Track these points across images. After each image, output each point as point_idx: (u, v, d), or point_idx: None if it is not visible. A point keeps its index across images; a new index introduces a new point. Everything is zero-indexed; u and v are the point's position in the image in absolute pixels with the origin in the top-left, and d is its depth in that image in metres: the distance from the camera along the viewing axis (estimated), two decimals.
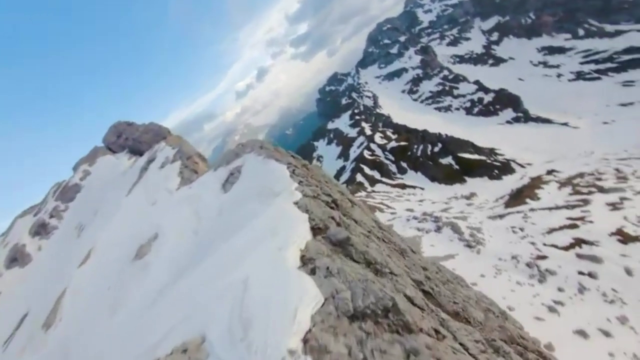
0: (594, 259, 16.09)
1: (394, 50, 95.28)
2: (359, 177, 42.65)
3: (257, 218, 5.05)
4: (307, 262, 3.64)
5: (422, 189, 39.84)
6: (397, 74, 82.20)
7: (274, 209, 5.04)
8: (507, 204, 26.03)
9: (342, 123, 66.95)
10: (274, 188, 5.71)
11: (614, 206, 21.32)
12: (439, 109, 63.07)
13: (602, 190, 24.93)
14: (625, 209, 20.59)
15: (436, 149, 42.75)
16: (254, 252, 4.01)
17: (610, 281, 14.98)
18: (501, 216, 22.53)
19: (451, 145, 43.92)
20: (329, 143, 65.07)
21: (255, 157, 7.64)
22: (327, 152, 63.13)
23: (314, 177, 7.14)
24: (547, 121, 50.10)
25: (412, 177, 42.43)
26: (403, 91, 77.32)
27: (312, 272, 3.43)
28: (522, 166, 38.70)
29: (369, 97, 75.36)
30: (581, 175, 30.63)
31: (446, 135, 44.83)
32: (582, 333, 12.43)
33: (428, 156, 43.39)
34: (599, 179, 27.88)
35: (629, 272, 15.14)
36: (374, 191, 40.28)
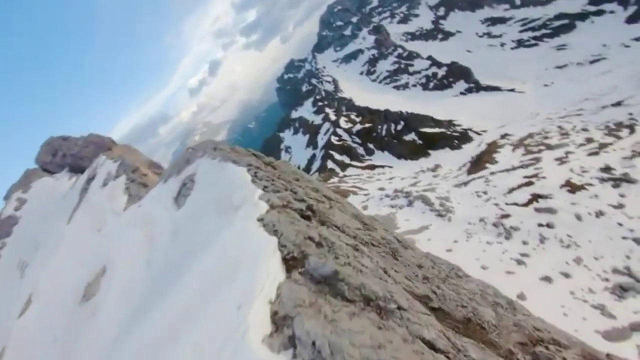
0: (550, 210, 17.65)
1: (348, 32, 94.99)
2: (330, 164, 42.79)
3: (212, 247, 4.01)
4: (280, 326, 2.56)
5: (391, 167, 40.98)
6: (354, 55, 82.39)
7: (233, 233, 4.00)
8: (470, 171, 27.63)
9: (305, 111, 66.09)
10: (234, 199, 4.76)
11: (561, 160, 23.50)
12: (397, 87, 64.61)
13: (549, 147, 27.35)
14: (570, 162, 22.79)
15: (399, 127, 44.05)
16: (207, 307, 3.07)
17: (564, 228, 16.56)
18: (465, 183, 23.85)
19: (412, 121, 45.41)
20: (295, 133, 64.13)
21: (209, 162, 6.71)
22: (295, 142, 62.33)
23: (282, 177, 6.29)
24: (496, 89, 53.47)
25: (380, 157, 43.45)
26: (361, 73, 77.88)
27: (291, 343, 2.38)
28: (478, 134, 41.23)
29: (329, 82, 74.95)
30: (530, 135, 33.30)
31: (407, 112, 46.22)
32: (547, 279, 13.65)
33: (392, 135, 44.58)
34: (546, 137, 30.52)
35: (579, 217, 16.85)
36: (345, 176, 40.66)
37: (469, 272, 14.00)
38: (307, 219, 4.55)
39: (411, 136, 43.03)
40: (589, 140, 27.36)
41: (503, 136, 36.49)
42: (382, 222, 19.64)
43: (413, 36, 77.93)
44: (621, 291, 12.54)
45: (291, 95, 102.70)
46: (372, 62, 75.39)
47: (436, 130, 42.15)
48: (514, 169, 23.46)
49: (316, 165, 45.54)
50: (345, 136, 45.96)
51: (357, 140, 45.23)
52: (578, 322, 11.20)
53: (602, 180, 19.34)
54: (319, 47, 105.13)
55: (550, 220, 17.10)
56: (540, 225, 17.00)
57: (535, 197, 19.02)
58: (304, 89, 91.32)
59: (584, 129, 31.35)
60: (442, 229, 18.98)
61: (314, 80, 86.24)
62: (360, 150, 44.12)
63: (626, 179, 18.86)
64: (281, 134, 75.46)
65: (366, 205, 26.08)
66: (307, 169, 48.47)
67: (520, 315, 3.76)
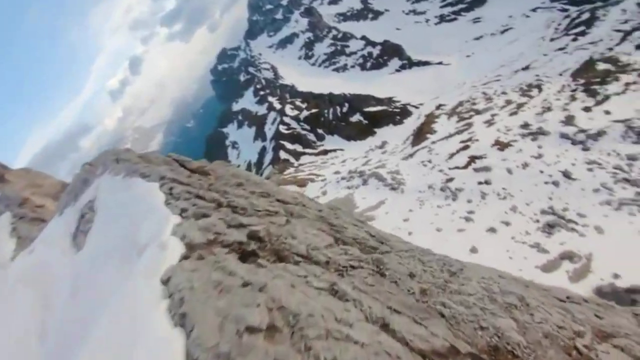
0: (486, 169, 19.66)
1: (279, 16, 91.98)
2: (283, 154, 41.93)
3: (105, 317, 2.34)
4: None
5: (342, 150, 41.76)
6: (289, 40, 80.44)
7: (124, 306, 2.36)
8: (413, 143, 29.43)
9: (247, 102, 63.00)
10: (138, 236, 3.25)
11: (489, 123, 26.27)
12: (336, 69, 65.22)
13: (478, 112, 30.33)
14: (496, 123, 25.60)
15: (344, 109, 44.81)
16: None
17: (499, 183, 18.63)
18: (411, 155, 25.33)
19: (356, 102, 46.52)
20: (240, 126, 60.98)
21: (111, 180, 5.06)
22: (242, 137, 59.39)
23: (216, 187, 4.63)
24: (426, 63, 57.24)
25: (331, 141, 43.92)
26: (299, 57, 76.66)
27: None
28: (416, 107, 44.03)
29: (267, 69, 72.29)
30: (461, 104, 36.53)
31: (349, 94, 47.10)
32: (492, 229, 15.24)
33: (339, 118, 45.20)
34: (474, 104, 33.76)
35: (509, 171, 19.08)
36: (301, 164, 40.30)
37: (427, 236, 14.90)
38: (252, 256, 3.04)
39: (357, 117, 44.13)
40: (509, 102, 31.04)
41: (438, 107, 39.45)
42: (343, 205, 19.59)
43: (345, 17, 78.67)
44: (549, 228, 14.64)
45: (229, 87, 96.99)
46: (309, 45, 74.56)
47: (378, 108, 43.85)
48: (451, 135, 25.55)
49: (268, 157, 44.25)
50: (293, 124, 45.25)
51: (306, 126, 44.92)
52: (521, 261, 12.78)
53: (523, 135, 22.13)
54: (251, 33, 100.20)
55: (487, 177, 19.08)
56: (479, 183, 18.87)
57: (472, 159, 20.99)
58: (241, 78, 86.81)
59: (503, 92, 35.47)
60: (397, 201, 19.92)
61: (251, 69, 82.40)
62: (311, 137, 43.99)
63: (541, 132, 21.86)
64: (224, 130, 71.21)
65: (325, 191, 26.19)
66: (259, 163, 46.87)
67: (537, 311, 2.97)
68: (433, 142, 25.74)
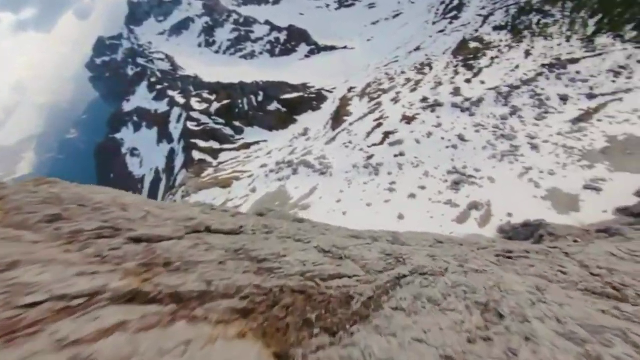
0: (399, 142, 21.63)
1: None
2: (197, 155, 37.91)
3: None
4: None
5: (266, 141, 40.38)
6: (184, 25, 72.09)
7: None
8: (333, 127, 30.42)
9: (141, 99, 54.25)
10: None
11: (395, 100, 28.92)
12: (244, 57, 61.98)
13: (384, 91, 33.05)
14: (401, 100, 28.35)
15: (260, 98, 43.11)
16: None
17: (411, 153, 20.76)
18: (333, 138, 26.11)
19: (271, 90, 45.29)
20: (137, 129, 52.33)
21: None
22: (142, 141, 51.21)
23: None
24: (333, 48, 59.39)
25: (251, 134, 41.89)
26: (200, 45, 69.79)
27: None
28: (330, 92, 45.56)
29: (161, 59, 63.48)
30: (369, 85, 39.24)
31: (262, 81, 45.47)
32: (412, 195, 16.87)
33: (255, 108, 43.31)
34: (380, 84, 36.67)
35: (418, 141, 21.43)
36: (221, 163, 37.27)
37: (360, 212, 15.51)
38: None
39: (274, 105, 43.06)
40: (408, 80, 34.77)
41: (349, 90, 41.57)
42: (276, 199, 18.78)
43: (245, 0, 74.65)
44: (456, 185, 17.07)
45: (115, 84, 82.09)
46: (208, 31, 68.39)
47: (295, 95, 43.71)
48: (365, 116, 27.25)
49: (180, 161, 39.49)
50: (204, 119, 41.23)
51: (220, 120, 41.55)
52: (440, 219, 14.56)
53: (424, 108, 25.09)
54: (134, 18, 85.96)
55: (400, 150, 21.04)
56: (395, 155, 20.69)
57: (386, 135, 22.83)
58: (129, 72, 74.37)
59: (402, 72, 39.59)
60: (327, 184, 20.29)
61: (141, 60, 71.15)
62: (228, 131, 41.00)
63: (437, 104, 25.14)
64: (117, 136, 60.37)
65: (254, 188, 24.89)
66: (169, 169, 41.48)
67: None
68: (350, 124, 27.02)
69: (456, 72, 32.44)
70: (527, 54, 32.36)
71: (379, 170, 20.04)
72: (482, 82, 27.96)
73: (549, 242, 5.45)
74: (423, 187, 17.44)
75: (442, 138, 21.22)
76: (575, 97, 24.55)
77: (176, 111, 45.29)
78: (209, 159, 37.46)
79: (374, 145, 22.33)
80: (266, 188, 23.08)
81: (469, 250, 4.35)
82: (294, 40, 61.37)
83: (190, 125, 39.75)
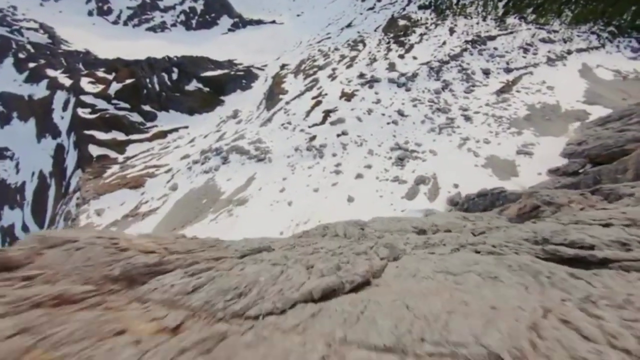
0: (340, 120, 20.82)
1: None
2: (95, 150, 31.17)
3: None
4: None
5: (186, 127, 35.62)
6: None
7: None
8: (268, 107, 28.20)
9: (6, 82, 42.09)
10: None
11: (332, 77, 28.02)
12: (152, 29, 53.53)
13: (320, 68, 31.91)
14: (338, 76, 27.57)
15: (174, 76, 37.53)
16: None
17: (354, 131, 20.19)
18: (269, 119, 24.04)
19: (189, 67, 40.01)
20: (6, 122, 40.73)
21: None
22: (13, 138, 40.14)
23: None
24: (260, 22, 55.61)
25: (167, 119, 36.40)
26: (90, 13, 57.80)
27: None
28: (261, 69, 42.55)
29: (35, 29, 50.41)
30: (303, 62, 37.61)
31: (176, 57, 39.75)
32: (359, 176, 16.24)
33: (170, 87, 37.67)
34: (314, 60, 35.37)
35: (359, 119, 20.94)
36: (128, 158, 31.49)
37: (307, 200, 14.20)
38: None
39: (194, 85, 38.12)
40: (343, 57, 34.24)
41: (282, 67, 39.32)
42: (204, 196, 16.22)
43: None
44: (400, 161, 17.03)
45: None
46: None
47: (219, 72, 39.46)
48: (302, 93, 25.76)
49: (72, 159, 32.05)
50: (101, 104, 34.00)
51: (124, 105, 34.84)
52: (390, 197, 14.19)
53: (362, 84, 24.75)
54: None
55: (343, 128, 20.29)
56: (338, 135, 19.86)
57: (327, 113, 21.81)
58: None
59: (336, 49, 38.98)
60: (267, 172, 18.43)
61: (3, 31, 55.51)
62: (136, 118, 34.72)
63: (374, 80, 25.04)
64: None
65: (175, 185, 21.38)
66: (59, 171, 33.55)
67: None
68: (287, 103, 25.25)
69: (389, 49, 33.09)
70: (452, 31, 34.81)
71: (323, 152, 18.98)
72: (415, 58, 28.98)
73: (549, 213, 4.97)
74: (369, 166, 16.99)
75: (383, 114, 21.15)
76: (495, 70, 27.18)
77: (61, 96, 36.37)
78: (112, 154, 31.24)
79: (315, 125, 21.10)
80: (190, 183, 20.00)
81: None
82: (213, 11, 55.36)
83: (82, 112, 32.30)
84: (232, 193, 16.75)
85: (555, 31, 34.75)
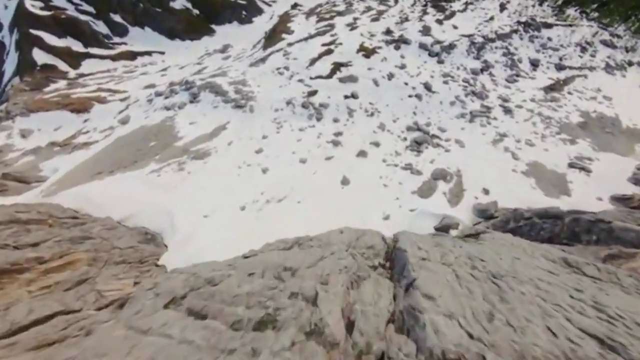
0: (352, 79, 17.49)
1: None
2: (41, 57, 26.38)
3: None
4: None
5: (162, 53, 30.98)
6: None
7: None
8: (265, 46, 24.24)
9: None
10: None
11: (352, 26, 24.13)
12: None
13: (339, 14, 27.77)
14: (359, 27, 23.73)
15: None
16: None
17: (366, 96, 17.01)
18: (263, 60, 20.31)
19: None
20: None
21: None
22: None
23: None
24: None
25: (141, 38, 31.48)
26: None
27: None
28: (268, 4, 37.57)
29: None
30: (320, 5, 33.11)
31: None
32: (362, 153, 13.34)
33: (152, 0, 32.43)
34: (335, 5, 31.01)
35: (376, 83, 17.69)
36: (82, 76, 27.04)
37: (288, 172, 11.27)
38: None
39: (181, 3, 32.96)
40: (369, 9, 30.04)
41: (294, 6, 34.68)
42: (154, 137, 13.05)
43: None
44: (417, 146, 14.18)
45: None
46: None
47: None
48: (311, 37, 21.95)
49: (11, 62, 27.22)
50: (59, 1, 28.57)
51: (87, 8, 29.50)
52: (396, 188, 11.44)
53: (387, 42, 21.17)
54: None
55: (353, 89, 17.03)
56: (346, 97, 16.64)
57: (337, 66, 18.38)
58: None
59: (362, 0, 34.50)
60: (245, 124, 15.18)
61: None
62: (101, 27, 29.64)
63: (403, 40, 21.48)
64: None
65: (126, 117, 17.79)
66: None
67: None
68: (290, 44, 21.42)
69: (425, 12, 29.18)
70: (502, 7, 31.05)
71: (322, 114, 15.81)
72: (455, 27, 25.37)
73: None
74: (377, 144, 14.07)
75: (405, 84, 17.96)
76: (545, 64, 24.14)
77: None
78: (62, 66, 26.61)
79: (320, 77, 17.71)
80: (144, 119, 16.50)
81: None
82: None
83: (32, 5, 26.94)
84: (192, 141, 13.49)
85: (618, 36, 31.57)
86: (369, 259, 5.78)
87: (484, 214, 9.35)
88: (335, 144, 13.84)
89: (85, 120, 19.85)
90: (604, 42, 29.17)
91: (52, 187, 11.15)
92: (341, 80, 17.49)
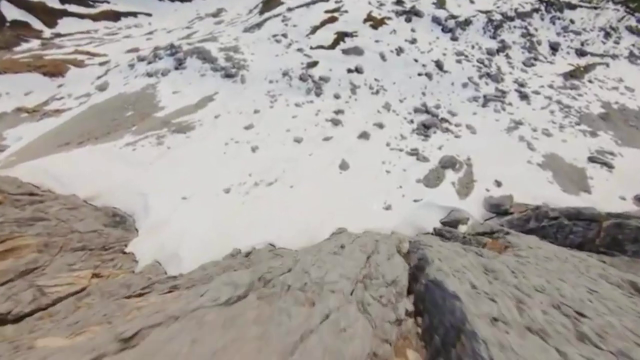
0: (357, 51, 16.29)
1: None
2: (12, 12, 24.34)
3: None
4: None
5: (149, 15, 29.03)
6: None
7: None
8: (263, 11, 22.60)
9: None
10: None
11: None
12: None
13: None
14: None
15: None
16: None
17: (372, 72, 15.89)
18: (259, 25, 18.87)
19: None
20: None
21: None
22: None
23: None
24: None
25: None
26: None
27: None
28: None
29: None
30: None
31: None
32: (364, 135, 12.44)
33: None
34: None
35: (383, 57, 16.52)
36: (58, 36, 25.23)
37: (280, 152, 9.92)
38: None
39: None
40: None
41: None
42: (132, 105, 11.95)
43: None
44: (425, 129, 13.29)
45: None
46: None
47: None
48: (313, 2, 20.39)
49: None
50: None
51: None
52: (400, 176, 10.64)
53: (397, 13, 19.78)
54: None
55: (358, 63, 15.88)
56: (349, 71, 15.51)
57: (341, 36, 17.10)
58: None
59: None
60: (234, 96, 14.09)
61: None
62: None
63: (415, 12, 20.08)
64: None
65: (104, 83, 16.50)
66: None
67: None
68: (290, 9, 19.89)
69: None
70: None
71: (322, 89, 14.74)
72: (472, 1, 23.87)
73: None
74: (380, 125, 13.15)
75: (415, 60, 16.82)
76: (566, 48, 22.98)
77: None
78: (36, 23, 24.70)
79: (321, 47, 16.48)
80: (124, 85, 15.26)
81: None
82: None
83: None
84: (174, 113, 12.42)
85: None
86: (389, 305, 3.76)
87: (497, 208, 8.63)
88: (335, 123, 12.88)
89: (60, 86, 18.45)
90: (630, 29, 27.87)
91: (11, 158, 10.13)
92: (345, 52, 16.28)
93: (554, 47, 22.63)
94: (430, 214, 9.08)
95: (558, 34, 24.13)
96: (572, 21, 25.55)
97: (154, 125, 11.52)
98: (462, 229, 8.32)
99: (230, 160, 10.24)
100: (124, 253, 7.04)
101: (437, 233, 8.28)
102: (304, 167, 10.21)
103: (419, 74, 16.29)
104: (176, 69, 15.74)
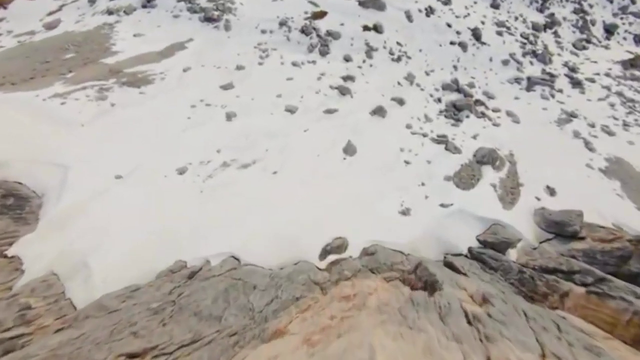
0: (378, 4, 13.81)
1: None
2: None
3: None
4: None
5: None
6: None
7: None
8: None
9: None
10: None
11: None
12: None
13: None
14: None
15: None
16: None
17: (394, 33, 13.49)
18: None
19: None
20: None
21: None
22: None
23: None
24: None
25: None
26: None
27: None
28: None
29: None
30: None
31: None
32: (379, 111, 10.23)
33: None
34: None
35: (409, 16, 14.08)
36: None
37: (266, 123, 7.68)
38: None
39: None
40: None
41: None
42: (78, 47, 9.70)
43: None
44: (455, 112, 11.14)
45: None
46: None
47: None
48: None
49: None
50: None
51: None
52: (423, 169, 8.53)
53: None
54: None
55: (378, 20, 13.44)
56: (366, 28, 13.09)
57: None
58: None
59: None
60: (213, 45, 11.70)
61: None
62: None
63: None
64: None
65: (55, 22, 13.88)
66: None
67: None
68: None
69: None
70: None
71: (329, 48, 12.39)
72: None
73: None
74: (400, 101, 10.95)
75: (448, 25, 14.43)
76: (623, 33, 20.59)
77: None
78: None
79: None
80: (75, 23, 12.71)
81: None
82: None
83: None
84: (129, 60, 9.99)
85: None
86: None
87: (560, 228, 6.61)
88: (343, 92, 10.62)
89: (1, 20, 15.77)
90: None
91: None
92: (362, 3, 13.79)
93: (609, 30, 20.23)
94: (463, 226, 7.06)
95: (615, 15, 21.64)
96: (632, 1, 23.03)
97: (98, 74, 9.13)
98: (512, 254, 6.32)
99: (195, 128, 7.98)
100: (4, 257, 4.92)
101: (475, 256, 6.27)
102: (295, 146, 8.03)
103: (452, 43, 13.94)
104: (144, 6, 13.15)
